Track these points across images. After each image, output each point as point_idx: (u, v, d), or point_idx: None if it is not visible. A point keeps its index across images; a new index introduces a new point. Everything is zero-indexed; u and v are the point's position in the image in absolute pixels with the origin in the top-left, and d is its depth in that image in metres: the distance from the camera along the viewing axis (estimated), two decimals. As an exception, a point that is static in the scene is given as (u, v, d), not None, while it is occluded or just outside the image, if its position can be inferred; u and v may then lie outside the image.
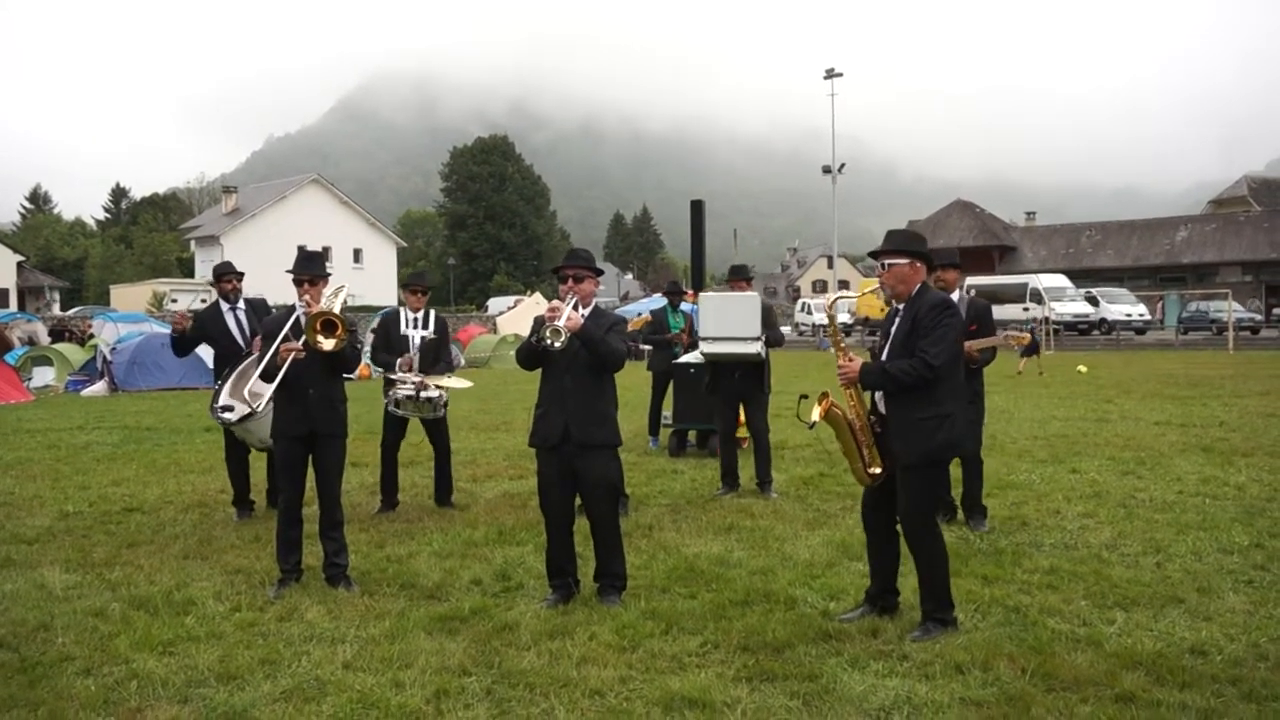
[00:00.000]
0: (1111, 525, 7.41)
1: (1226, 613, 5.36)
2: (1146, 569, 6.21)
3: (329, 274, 6.49)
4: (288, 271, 6.35)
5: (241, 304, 8.38)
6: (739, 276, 9.52)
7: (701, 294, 9.65)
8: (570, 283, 5.77)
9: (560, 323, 5.47)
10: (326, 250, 66.33)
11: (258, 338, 7.85)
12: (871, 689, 4.40)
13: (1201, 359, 29.08)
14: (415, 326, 8.31)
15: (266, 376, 6.15)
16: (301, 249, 6.51)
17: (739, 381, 8.79)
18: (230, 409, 7.63)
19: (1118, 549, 6.72)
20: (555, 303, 5.64)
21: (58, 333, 33.90)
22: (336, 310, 6.22)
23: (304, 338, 6.06)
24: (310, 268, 6.29)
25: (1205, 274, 56.27)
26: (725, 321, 8.66)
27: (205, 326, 8.34)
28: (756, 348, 8.61)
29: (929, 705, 4.23)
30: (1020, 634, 5.04)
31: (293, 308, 6.34)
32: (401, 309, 8.46)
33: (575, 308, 5.68)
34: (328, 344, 6.01)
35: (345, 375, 6.42)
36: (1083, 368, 25.62)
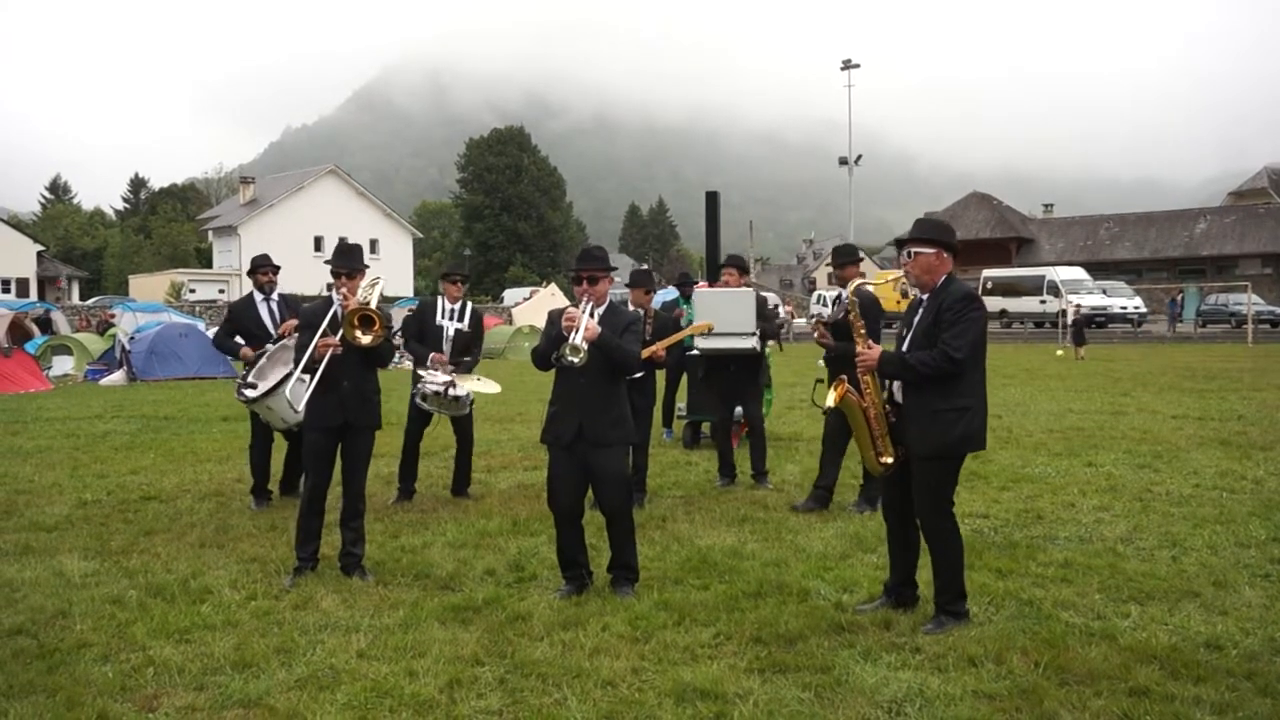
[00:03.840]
0: (1127, 519, 7.37)
1: (1243, 607, 5.33)
2: (1162, 563, 6.18)
3: (367, 266, 6.52)
4: (326, 263, 6.38)
5: (275, 296, 8.46)
6: (731, 265, 9.14)
7: (696, 291, 9.51)
8: (585, 284, 5.76)
9: (578, 339, 5.44)
10: (343, 241, 66.52)
11: (288, 322, 7.95)
12: (884, 681, 4.40)
13: (1220, 352, 28.86)
14: (450, 318, 8.28)
15: (309, 370, 6.15)
16: (341, 241, 6.54)
17: (734, 375, 8.74)
18: (253, 386, 7.75)
19: (1133, 542, 6.69)
20: (572, 311, 5.61)
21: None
22: (373, 303, 6.24)
23: (341, 332, 6.08)
24: (349, 260, 6.31)
25: (1224, 266, 55.88)
26: (720, 317, 8.56)
27: (238, 316, 8.45)
28: (752, 342, 8.54)
29: (941, 698, 4.22)
30: (1034, 627, 5.03)
31: (329, 299, 6.35)
32: (439, 298, 8.42)
33: (591, 313, 5.68)
34: (365, 339, 6.04)
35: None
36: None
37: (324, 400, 6.12)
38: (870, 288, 6.89)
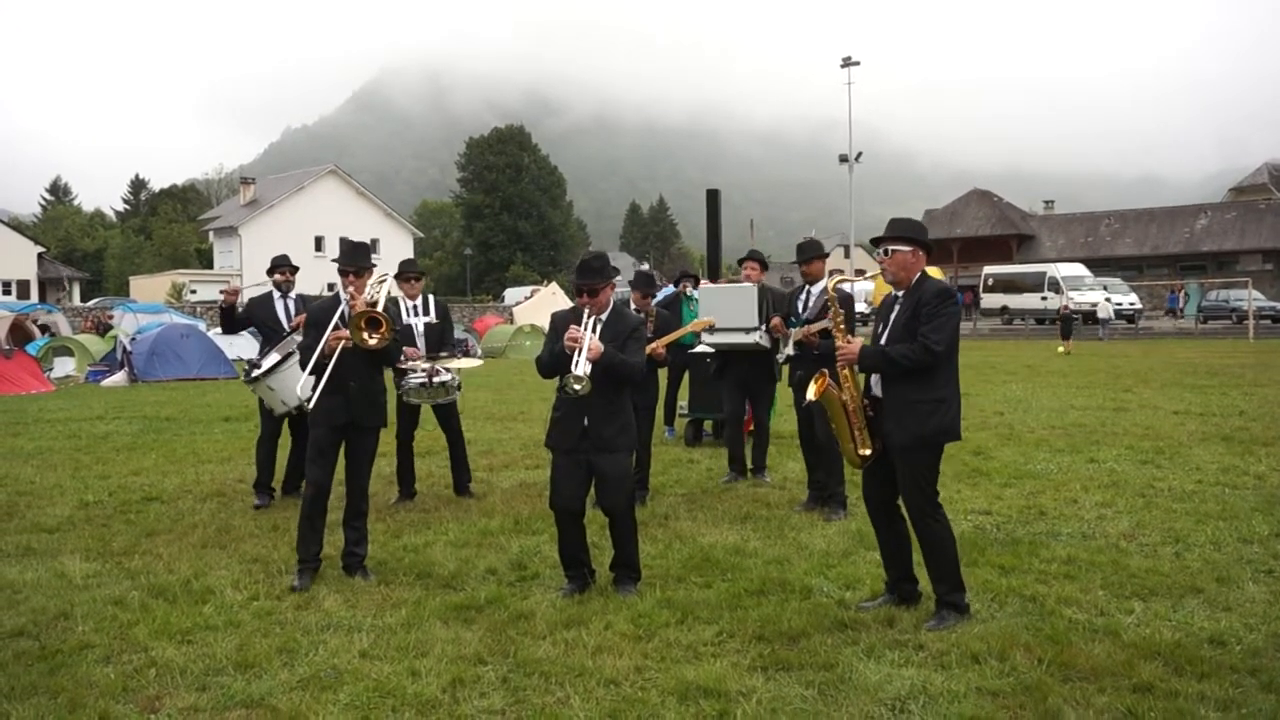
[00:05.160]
0: (1130, 515, 7.36)
1: (1246, 603, 5.33)
2: (1165, 559, 6.17)
3: (374, 265, 6.52)
4: (333, 261, 6.38)
5: (293, 295, 8.57)
6: (753, 259, 9.04)
7: (701, 287, 9.47)
8: (585, 297, 5.75)
9: (580, 366, 5.44)
10: (343, 241, 66.52)
11: (300, 316, 8.03)
12: (887, 678, 4.39)
13: (1221, 348, 28.85)
14: (416, 314, 8.35)
15: (318, 370, 6.09)
16: (346, 240, 6.53)
17: (748, 370, 8.74)
18: (259, 366, 7.92)
19: (1136, 539, 6.68)
20: (574, 331, 5.57)
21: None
22: (381, 302, 6.25)
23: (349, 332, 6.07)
24: (355, 259, 6.30)
25: (1225, 262, 55.86)
26: (722, 312, 8.55)
27: (256, 312, 8.60)
28: (756, 336, 8.53)
29: (945, 695, 4.22)
30: (1037, 624, 5.02)
31: (337, 297, 6.33)
32: (399, 299, 8.45)
33: (594, 327, 5.66)
34: (373, 341, 6.03)
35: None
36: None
37: (330, 400, 6.09)
38: (864, 283, 6.91)
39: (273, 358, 7.99)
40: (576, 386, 5.42)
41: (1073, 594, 5.50)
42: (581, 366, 5.45)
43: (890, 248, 5.22)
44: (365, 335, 6.02)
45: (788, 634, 4.96)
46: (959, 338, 5.23)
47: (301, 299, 8.56)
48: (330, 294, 6.64)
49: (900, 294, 5.26)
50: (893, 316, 5.24)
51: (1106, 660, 4.54)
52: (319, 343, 6.14)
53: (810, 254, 7.99)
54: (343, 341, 6.04)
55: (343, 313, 6.20)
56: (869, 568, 6.03)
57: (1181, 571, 5.88)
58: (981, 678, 4.38)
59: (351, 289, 6.22)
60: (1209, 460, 9.49)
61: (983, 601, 5.35)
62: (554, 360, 5.68)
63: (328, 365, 6.06)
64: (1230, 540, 6.56)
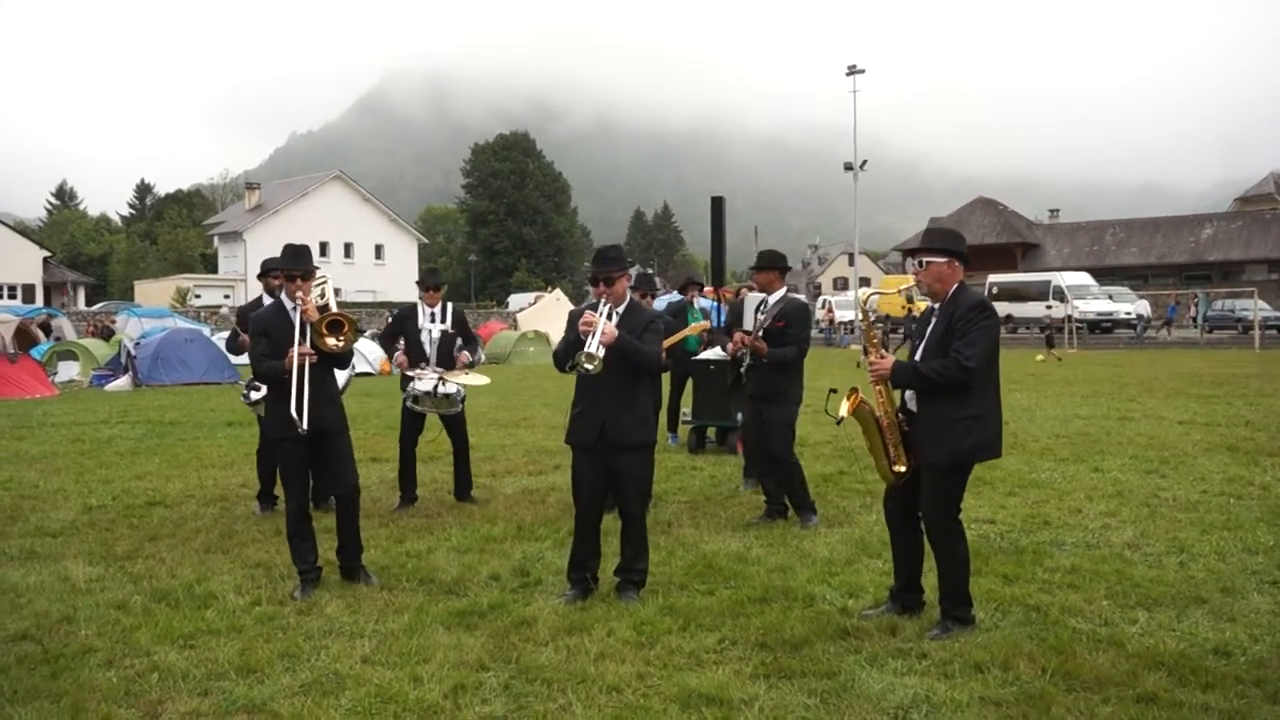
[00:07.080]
0: (1134, 525, 7.35)
1: (1250, 613, 5.31)
2: (1169, 569, 6.15)
3: (317, 268, 6.42)
4: (271, 267, 6.23)
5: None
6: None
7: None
8: (601, 286, 5.74)
9: (593, 345, 5.42)
10: (348, 246, 66.70)
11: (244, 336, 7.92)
12: (890, 687, 4.38)
13: (1227, 358, 28.78)
14: (433, 321, 8.37)
15: (298, 387, 5.87)
16: (287, 245, 6.30)
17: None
18: (258, 388, 7.75)
19: (1140, 548, 6.67)
20: (589, 316, 5.57)
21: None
22: (331, 304, 6.18)
23: (310, 340, 5.94)
24: (302, 262, 6.12)
25: (1231, 272, 55.79)
26: None
27: (246, 318, 8.44)
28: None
29: (948, 704, 4.21)
30: (1041, 633, 5.01)
31: (279, 304, 6.19)
32: (419, 303, 8.50)
33: (609, 314, 5.65)
34: (340, 344, 5.95)
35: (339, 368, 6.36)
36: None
37: (289, 410, 5.87)
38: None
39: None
40: (589, 365, 5.39)
41: (1077, 603, 5.49)
42: (594, 346, 5.43)
43: (925, 259, 5.09)
44: (331, 340, 5.89)
45: (790, 642, 4.95)
46: (998, 351, 5.03)
47: None
48: (271, 302, 6.49)
49: (937, 306, 5.14)
50: (928, 330, 5.12)
51: (1110, 670, 4.52)
52: (273, 352, 5.97)
53: (762, 264, 7.68)
54: (306, 359, 5.87)
55: (301, 321, 5.97)
56: (872, 576, 6.02)
57: (1186, 582, 5.86)
58: (985, 687, 4.37)
59: (300, 294, 6.04)
60: (1214, 470, 9.46)
61: (986, 610, 5.33)
62: (569, 348, 5.64)
63: (304, 380, 5.86)
64: (1235, 551, 6.54)
